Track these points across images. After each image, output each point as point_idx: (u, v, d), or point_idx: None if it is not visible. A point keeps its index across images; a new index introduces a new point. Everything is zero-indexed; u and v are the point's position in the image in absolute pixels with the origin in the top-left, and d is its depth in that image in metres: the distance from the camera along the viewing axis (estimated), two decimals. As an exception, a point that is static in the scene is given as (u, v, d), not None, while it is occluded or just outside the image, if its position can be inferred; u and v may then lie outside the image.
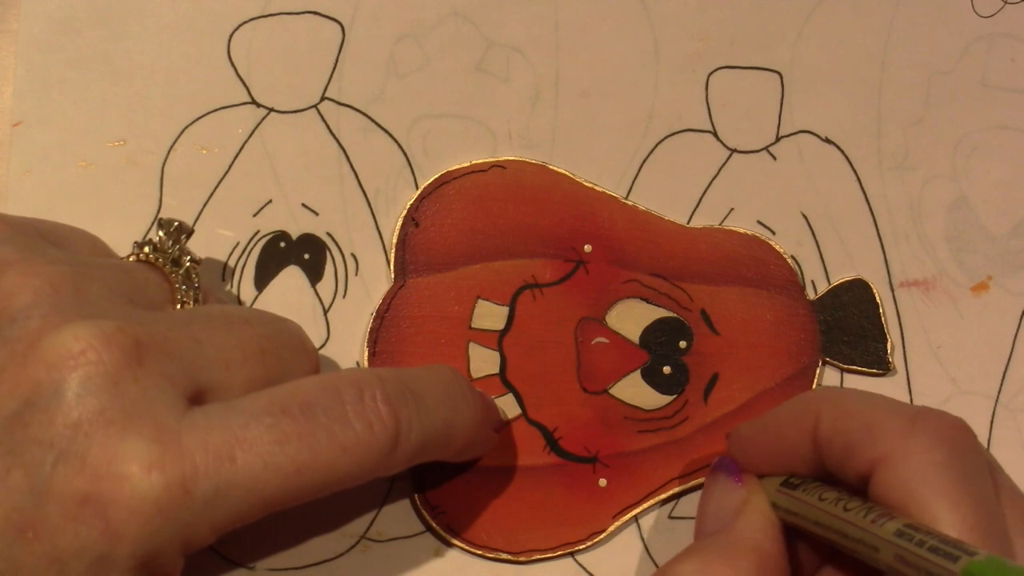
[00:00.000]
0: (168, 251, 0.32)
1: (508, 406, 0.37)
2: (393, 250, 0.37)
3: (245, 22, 0.38)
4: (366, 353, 0.37)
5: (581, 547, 0.37)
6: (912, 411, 0.29)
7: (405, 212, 0.37)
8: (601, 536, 0.37)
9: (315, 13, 0.38)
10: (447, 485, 0.36)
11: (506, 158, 0.38)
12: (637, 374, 0.37)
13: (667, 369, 0.37)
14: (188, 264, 0.32)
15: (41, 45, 0.37)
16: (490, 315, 0.37)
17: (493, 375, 0.37)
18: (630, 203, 0.38)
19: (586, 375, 0.37)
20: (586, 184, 0.38)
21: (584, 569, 0.37)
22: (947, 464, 0.28)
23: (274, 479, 0.27)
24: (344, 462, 0.28)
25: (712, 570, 0.29)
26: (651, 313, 0.38)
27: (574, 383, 0.37)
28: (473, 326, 0.37)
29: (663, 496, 0.37)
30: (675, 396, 0.37)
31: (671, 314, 0.38)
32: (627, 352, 0.37)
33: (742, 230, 0.38)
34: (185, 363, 0.28)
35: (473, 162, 0.38)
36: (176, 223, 0.33)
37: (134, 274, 0.31)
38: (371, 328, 0.37)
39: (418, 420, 0.30)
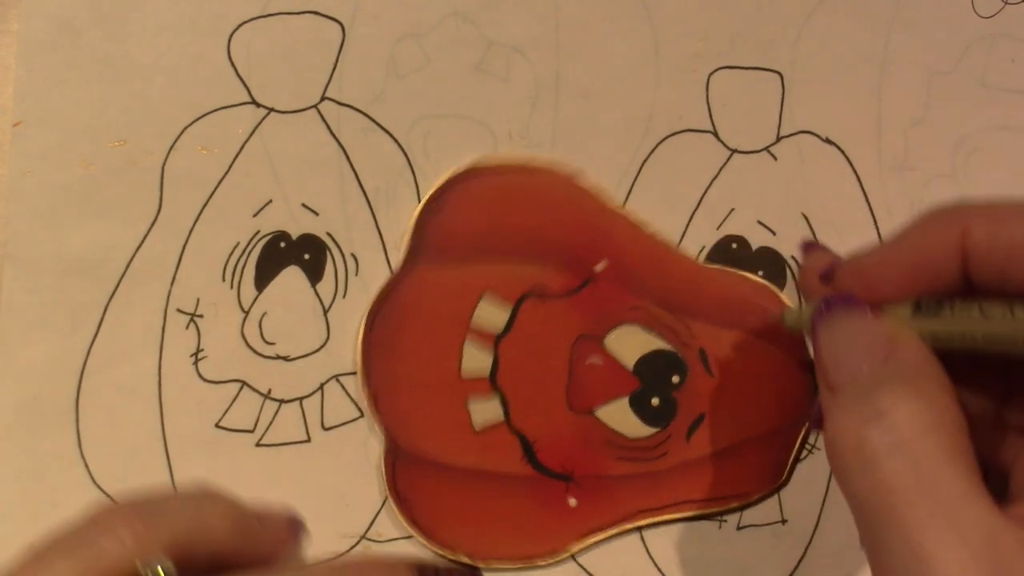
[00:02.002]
0: None
1: (492, 410, 0.37)
2: (409, 233, 0.37)
3: (245, 22, 0.38)
4: (361, 332, 0.37)
5: (540, 563, 0.37)
6: None
7: (428, 196, 0.37)
8: (561, 556, 0.37)
9: (315, 13, 0.38)
10: (419, 480, 0.36)
11: (538, 161, 0.38)
12: (625, 401, 0.37)
13: (656, 401, 0.37)
14: None
15: (41, 45, 0.37)
16: (491, 315, 0.37)
17: (483, 377, 0.37)
18: (650, 232, 0.38)
19: (575, 392, 0.37)
20: (610, 205, 0.38)
21: (584, 569, 0.37)
22: None
23: None
24: None
25: (920, 406, 0.27)
26: (650, 343, 0.38)
27: (561, 398, 0.37)
28: (473, 324, 0.37)
29: (629, 526, 0.37)
30: (659, 429, 0.37)
31: (669, 347, 0.37)
32: (619, 377, 0.37)
33: (755, 278, 0.38)
34: None
35: (503, 159, 0.38)
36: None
37: None
38: (369, 311, 0.37)
39: None
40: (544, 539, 0.37)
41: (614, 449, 0.37)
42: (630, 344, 0.37)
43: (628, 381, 0.37)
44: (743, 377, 0.38)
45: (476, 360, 0.37)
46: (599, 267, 0.38)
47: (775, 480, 0.38)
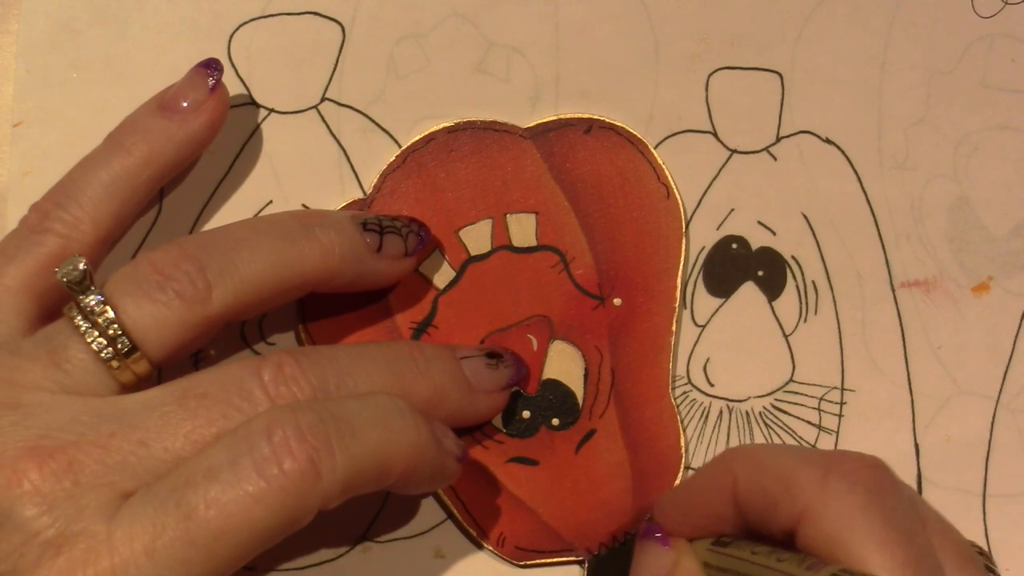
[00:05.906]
0: (89, 313, 0.30)
1: (445, 272, 0.37)
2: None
3: (245, 22, 0.38)
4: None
5: None
6: (825, 458, 0.29)
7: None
8: None
9: (315, 14, 0.38)
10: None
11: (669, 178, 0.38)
12: (511, 390, 0.37)
13: (526, 415, 0.37)
14: (105, 316, 0.30)
15: (41, 45, 0.37)
16: (522, 228, 0.37)
17: (471, 249, 0.37)
18: (672, 323, 0.38)
19: (494, 338, 0.37)
20: (676, 262, 0.38)
21: (585, 570, 0.37)
22: (868, 506, 0.28)
23: (196, 554, 0.27)
24: (261, 513, 0.28)
25: None
26: (574, 382, 0.37)
27: (485, 329, 0.37)
28: (508, 221, 0.37)
29: None
30: (502, 432, 0.37)
31: (580, 402, 0.37)
32: (530, 372, 0.37)
33: (681, 444, 0.37)
34: (128, 468, 0.28)
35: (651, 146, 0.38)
36: (80, 267, 0.31)
37: (60, 353, 0.30)
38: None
39: (342, 450, 0.29)
40: None
41: None
42: (563, 365, 0.37)
43: (532, 383, 0.37)
44: (582, 484, 0.37)
45: (477, 232, 0.37)
46: (616, 301, 0.38)
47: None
